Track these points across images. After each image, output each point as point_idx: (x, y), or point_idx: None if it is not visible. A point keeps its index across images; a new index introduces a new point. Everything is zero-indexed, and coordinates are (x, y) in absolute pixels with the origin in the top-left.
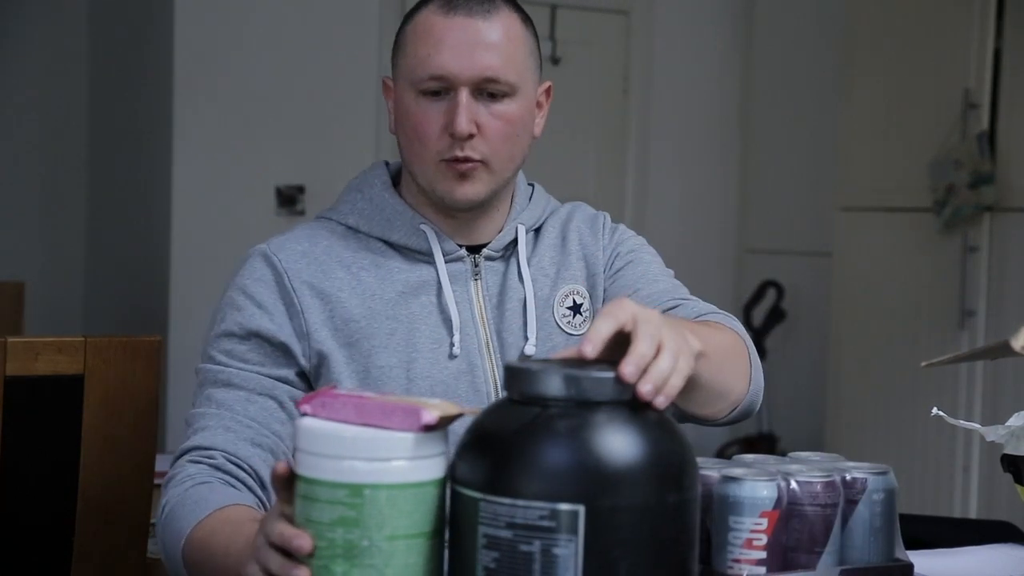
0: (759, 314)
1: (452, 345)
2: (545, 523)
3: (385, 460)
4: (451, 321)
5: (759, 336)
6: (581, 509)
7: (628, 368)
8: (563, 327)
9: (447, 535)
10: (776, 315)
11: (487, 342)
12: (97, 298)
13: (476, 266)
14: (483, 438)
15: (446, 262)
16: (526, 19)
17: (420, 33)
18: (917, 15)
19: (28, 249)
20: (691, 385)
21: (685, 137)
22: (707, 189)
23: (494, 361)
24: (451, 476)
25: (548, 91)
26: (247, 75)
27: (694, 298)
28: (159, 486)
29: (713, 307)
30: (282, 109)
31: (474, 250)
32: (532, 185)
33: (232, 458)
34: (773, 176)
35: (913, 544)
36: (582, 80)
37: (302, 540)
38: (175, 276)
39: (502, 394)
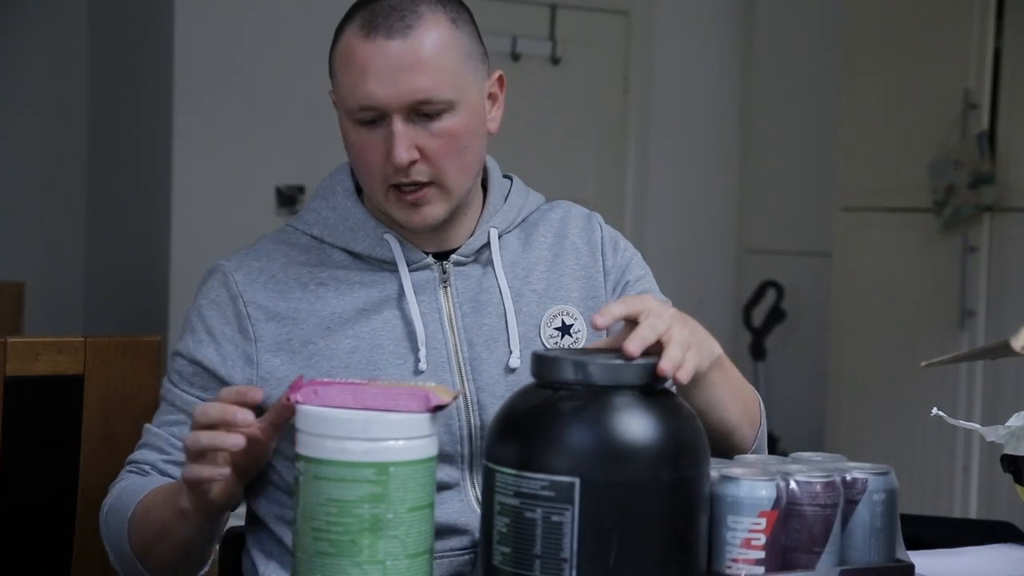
0: (759, 314)
1: (418, 361)
2: (545, 493)
3: (406, 439)
4: (415, 335)
5: (759, 336)
6: (577, 481)
7: (630, 345)
8: (549, 347)
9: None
10: (776, 315)
11: (457, 353)
12: (97, 298)
13: (445, 272)
14: (506, 417)
15: (411, 271)
16: (457, 16)
17: (344, 60)
18: (917, 15)
19: (28, 249)
20: (705, 385)
21: (685, 137)
22: (707, 189)
23: (464, 373)
24: (483, 452)
25: (501, 80)
26: (247, 75)
27: None
28: None
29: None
30: (282, 109)
31: (444, 256)
32: (510, 178)
33: (164, 475)
34: (773, 176)
35: (914, 544)
36: (582, 80)
37: (254, 392)
38: (175, 276)
39: (473, 408)
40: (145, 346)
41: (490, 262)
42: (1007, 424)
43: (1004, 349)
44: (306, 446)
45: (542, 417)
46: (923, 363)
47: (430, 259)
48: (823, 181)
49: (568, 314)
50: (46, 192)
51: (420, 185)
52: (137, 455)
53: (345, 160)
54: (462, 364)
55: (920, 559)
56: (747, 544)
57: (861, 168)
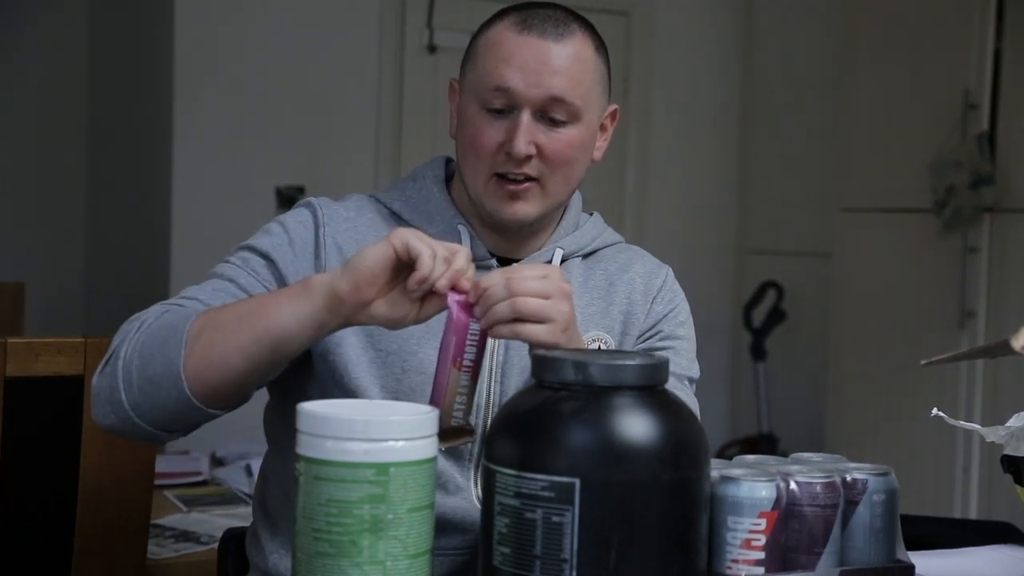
0: (759, 315)
1: None
2: (545, 494)
3: (406, 440)
4: None
5: (759, 336)
6: (577, 482)
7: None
8: None
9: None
10: (776, 316)
11: (494, 355)
12: (97, 298)
13: None
14: (506, 417)
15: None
16: (599, 45)
17: (491, 46)
18: (917, 15)
19: (28, 249)
20: None
21: (685, 137)
22: (707, 189)
23: (494, 376)
24: (483, 452)
25: (614, 115)
26: (247, 75)
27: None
28: (159, 486)
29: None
30: (282, 109)
31: (505, 262)
32: (591, 213)
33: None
34: (773, 176)
35: (914, 544)
36: None
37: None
38: (175, 276)
39: (493, 409)
40: None
41: None
42: (1007, 424)
43: (1004, 349)
44: (306, 446)
45: (542, 417)
46: (923, 361)
47: (493, 261)
48: (823, 181)
49: (604, 341)
50: (46, 192)
51: (526, 178)
52: (180, 301)
53: (440, 155)
54: (495, 366)
55: (920, 559)
56: (747, 545)
57: (861, 168)
